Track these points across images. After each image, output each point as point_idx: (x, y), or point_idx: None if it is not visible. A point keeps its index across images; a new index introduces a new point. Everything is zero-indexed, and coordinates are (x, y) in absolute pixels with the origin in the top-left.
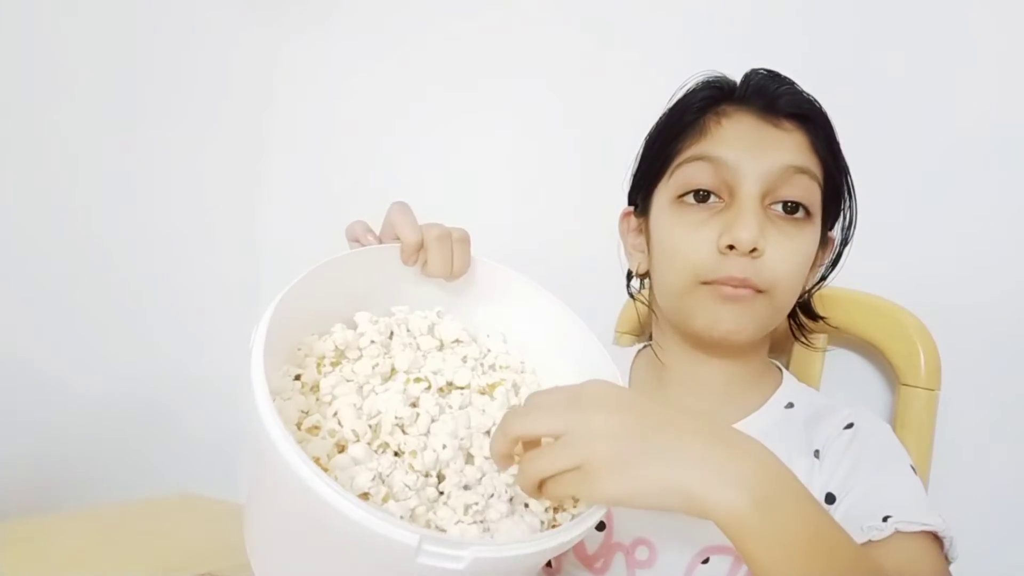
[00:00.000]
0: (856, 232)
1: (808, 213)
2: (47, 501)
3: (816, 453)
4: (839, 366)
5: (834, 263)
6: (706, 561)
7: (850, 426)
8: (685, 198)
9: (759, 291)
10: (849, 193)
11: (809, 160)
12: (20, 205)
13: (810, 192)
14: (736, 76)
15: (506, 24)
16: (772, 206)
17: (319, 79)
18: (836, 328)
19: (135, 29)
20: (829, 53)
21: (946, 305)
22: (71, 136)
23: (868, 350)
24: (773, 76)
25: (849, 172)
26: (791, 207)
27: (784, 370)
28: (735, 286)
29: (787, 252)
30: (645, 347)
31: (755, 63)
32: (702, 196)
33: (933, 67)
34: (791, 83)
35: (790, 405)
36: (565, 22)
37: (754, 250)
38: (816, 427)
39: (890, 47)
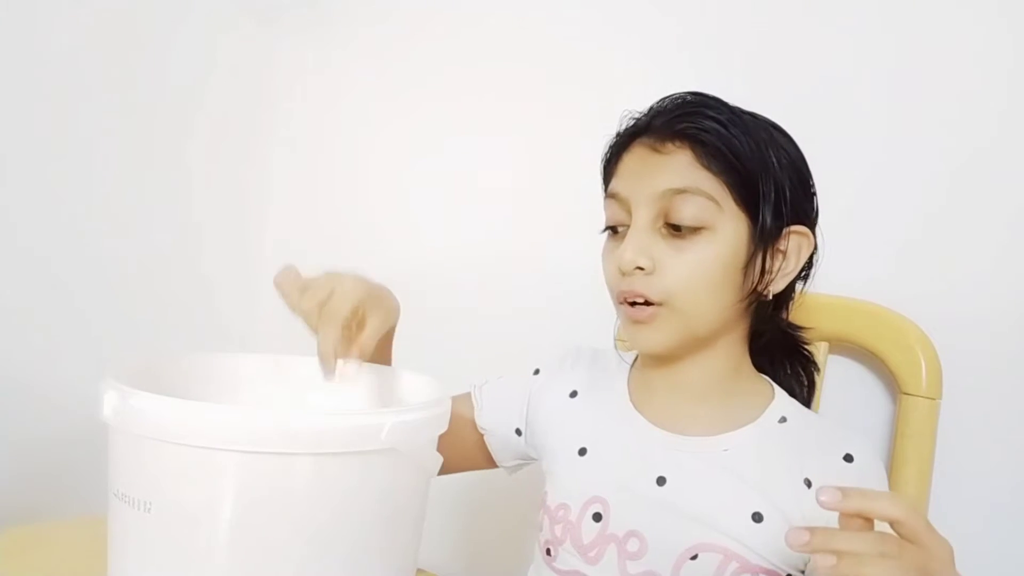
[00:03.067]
0: (862, 242)
1: (697, 228)
2: (48, 508)
3: (807, 482)
4: (840, 375)
5: (809, 262)
6: (695, 557)
7: (849, 458)
8: (608, 230)
9: (655, 304)
10: (777, 187)
11: (693, 177)
12: (18, 212)
13: (697, 207)
14: (734, 79)
15: (504, 27)
16: (666, 226)
17: (310, 89)
18: (814, 329)
19: (127, 34)
20: (828, 59)
21: (947, 314)
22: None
23: (869, 359)
24: (668, 101)
25: (768, 168)
26: (675, 226)
27: (775, 386)
28: (632, 303)
29: (677, 264)
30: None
31: (754, 66)
32: (614, 228)
33: (934, 75)
34: (681, 103)
35: (783, 419)
36: (567, 24)
37: (640, 268)
38: (810, 452)
39: (892, 52)
